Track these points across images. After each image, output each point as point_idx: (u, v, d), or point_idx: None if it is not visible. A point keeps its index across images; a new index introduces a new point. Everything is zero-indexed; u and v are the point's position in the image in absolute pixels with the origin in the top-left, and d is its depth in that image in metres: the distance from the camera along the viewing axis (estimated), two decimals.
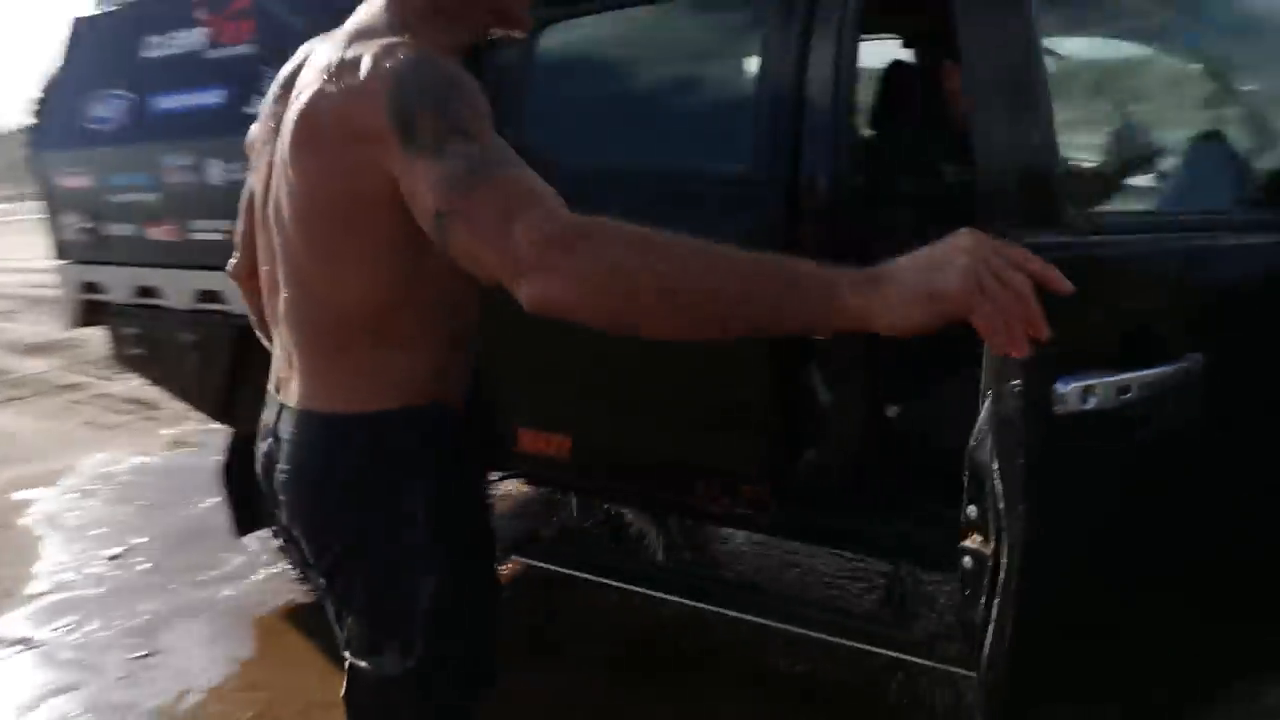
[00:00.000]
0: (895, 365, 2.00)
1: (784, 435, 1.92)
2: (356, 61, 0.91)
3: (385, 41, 0.92)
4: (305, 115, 0.94)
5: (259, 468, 1.14)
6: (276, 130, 1.04)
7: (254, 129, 1.15)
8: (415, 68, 0.89)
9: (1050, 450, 0.88)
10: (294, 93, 1.01)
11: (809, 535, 2.04)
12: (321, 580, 1.13)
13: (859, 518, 1.95)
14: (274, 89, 1.10)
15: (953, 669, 1.48)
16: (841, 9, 1.67)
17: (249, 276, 1.23)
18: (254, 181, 1.13)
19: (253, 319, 1.31)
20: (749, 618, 1.83)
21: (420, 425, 1.05)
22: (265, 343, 1.26)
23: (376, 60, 0.90)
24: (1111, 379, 0.93)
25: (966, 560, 1.05)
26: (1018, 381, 0.90)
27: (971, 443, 1.01)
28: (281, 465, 1.07)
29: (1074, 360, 0.92)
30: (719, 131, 1.94)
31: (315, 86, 0.94)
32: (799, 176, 1.81)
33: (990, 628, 0.98)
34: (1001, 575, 0.94)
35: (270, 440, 1.11)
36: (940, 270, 0.68)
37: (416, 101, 0.87)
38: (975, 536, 1.03)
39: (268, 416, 1.13)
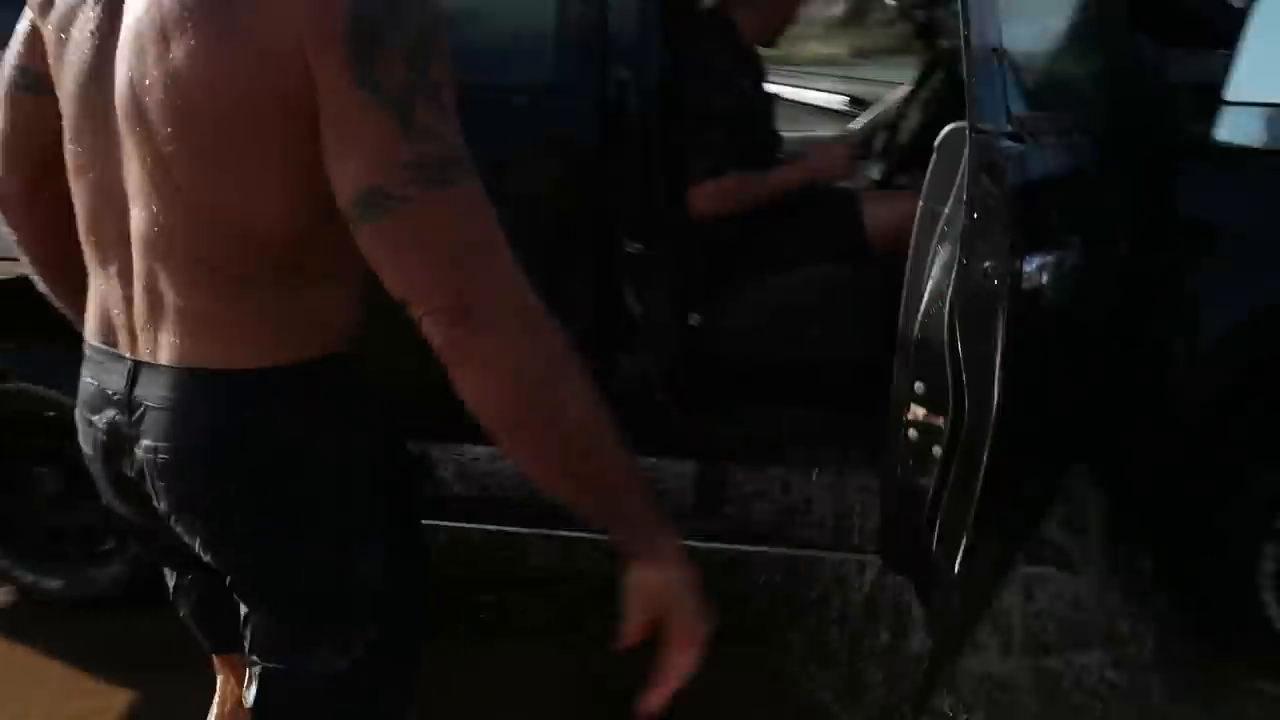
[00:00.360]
0: (696, 276, 2.10)
1: (599, 347, 1.94)
2: None
3: None
4: (209, 3, 0.71)
5: (92, 446, 0.88)
6: None
7: None
8: None
9: (1018, 322, 1.00)
10: None
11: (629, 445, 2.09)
12: (230, 575, 0.88)
13: (676, 423, 2.05)
14: None
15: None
16: None
17: (22, 193, 0.93)
18: (52, 50, 0.84)
19: (27, 254, 0.98)
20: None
21: (353, 373, 0.84)
22: (50, 289, 1.00)
23: None
24: (1050, 257, 1.08)
25: (911, 433, 1.16)
26: (991, 262, 1.01)
27: (915, 325, 1.12)
28: (153, 442, 0.81)
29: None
30: (527, 42, 1.89)
31: None
32: (605, 88, 1.81)
33: (946, 497, 1.10)
34: (964, 444, 1.06)
35: (117, 411, 0.84)
36: (698, 600, 0.78)
37: (385, 32, 0.69)
38: (918, 410, 1.14)
39: (106, 379, 0.85)
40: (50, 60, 0.84)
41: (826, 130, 3.33)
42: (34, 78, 0.87)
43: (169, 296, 0.79)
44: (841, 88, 3.59)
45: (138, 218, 0.79)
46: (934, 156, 1.15)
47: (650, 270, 1.98)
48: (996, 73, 1.00)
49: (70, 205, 0.89)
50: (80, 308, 0.96)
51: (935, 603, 1.20)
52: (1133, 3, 1.60)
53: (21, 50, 0.88)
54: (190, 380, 0.80)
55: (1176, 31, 1.65)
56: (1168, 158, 1.60)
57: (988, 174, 0.99)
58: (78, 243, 0.91)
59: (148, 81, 0.74)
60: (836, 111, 3.43)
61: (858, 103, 3.43)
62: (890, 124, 3.17)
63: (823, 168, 2.09)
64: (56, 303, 1.03)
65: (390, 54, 0.69)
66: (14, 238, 0.98)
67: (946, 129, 1.14)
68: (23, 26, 0.88)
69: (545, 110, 1.88)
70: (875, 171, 2.41)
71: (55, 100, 0.84)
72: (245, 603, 0.89)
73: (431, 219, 0.70)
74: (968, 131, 1.01)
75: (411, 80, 0.69)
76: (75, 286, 0.96)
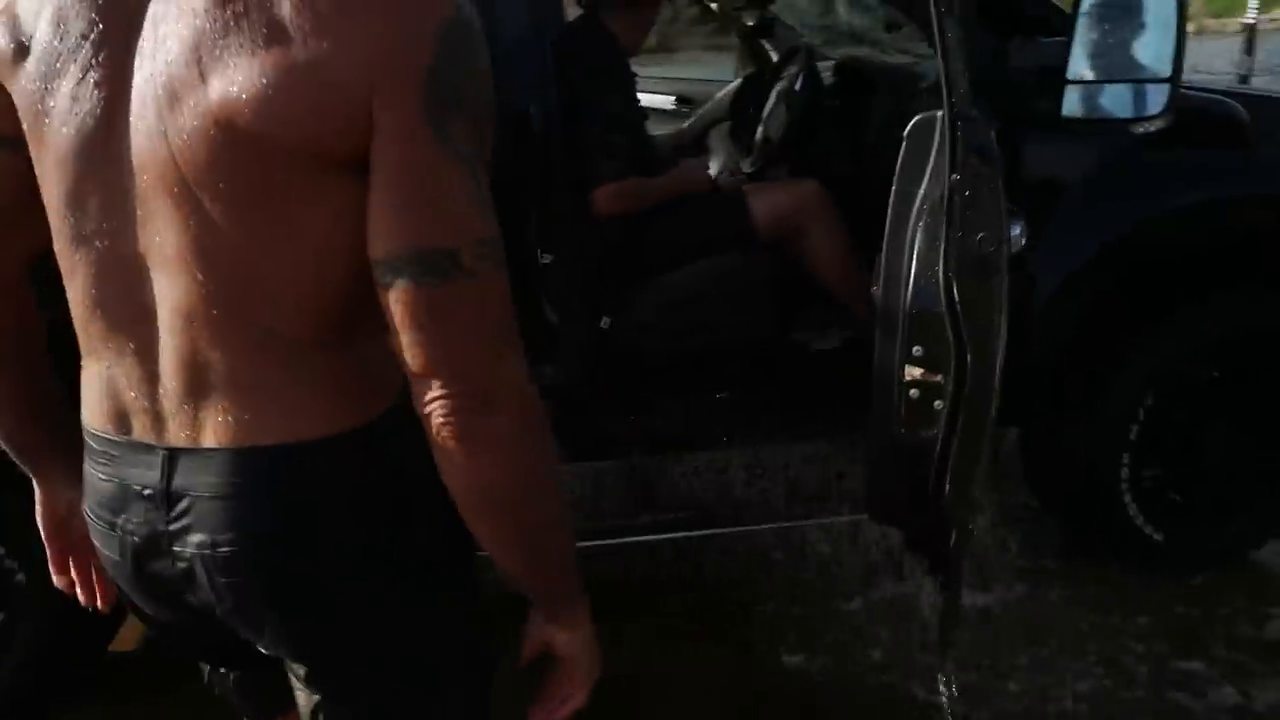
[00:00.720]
0: (602, 280, 2.17)
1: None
2: None
3: None
4: (260, 31, 0.65)
5: (118, 551, 0.78)
6: (123, 24, 0.70)
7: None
8: (470, 30, 0.69)
9: (1010, 282, 1.14)
10: None
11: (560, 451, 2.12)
12: (311, 665, 0.81)
13: (601, 424, 2.11)
14: None
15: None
16: None
17: None
18: (28, 106, 0.74)
19: None
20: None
21: (412, 423, 0.74)
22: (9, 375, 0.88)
23: None
24: (1015, 224, 1.23)
25: (913, 392, 1.28)
26: (985, 232, 1.15)
27: (906, 296, 1.24)
28: (209, 536, 0.73)
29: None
30: None
31: None
32: (509, 105, 1.84)
33: (956, 443, 1.23)
34: (969, 396, 1.19)
35: (151, 507, 0.75)
36: (596, 658, 0.87)
37: (462, 96, 0.68)
38: (915, 371, 1.26)
39: (130, 474, 0.76)
40: (25, 119, 0.75)
41: (662, 129, 3.47)
42: None
43: (216, 371, 0.71)
44: (663, 88, 3.74)
45: (173, 287, 0.71)
46: (904, 144, 1.28)
47: (563, 279, 2.02)
48: (965, 67, 1.14)
49: (22, 275, 0.82)
50: (12, 416, 0.88)
51: (948, 542, 1.33)
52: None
53: None
54: (250, 461, 0.72)
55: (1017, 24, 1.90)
56: (1019, 129, 1.85)
57: (979, 156, 1.13)
58: (29, 331, 0.85)
59: (185, 135, 0.67)
60: (667, 111, 3.57)
61: (684, 101, 3.59)
62: (718, 120, 3.36)
63: (690, 181, 2.25)
64: None
65: (463, 118, 0.67)
66: None
67: (916, 119, 1.27)
68: None
69: None
70: (748, 165, 2.56)
71: (20, 160, 0.76)
72: (327, 694, 0.82)
73: (487, 297, 0.68)
74: (949, 120, 1.14)
75: (475, 148, 0.68)
76: (16, 393, 0.88)
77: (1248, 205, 2.07)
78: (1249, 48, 8.96)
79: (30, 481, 0.93)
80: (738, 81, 3.39)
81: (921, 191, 1.23)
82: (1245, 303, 2.11)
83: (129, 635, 1.86)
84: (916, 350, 1.24)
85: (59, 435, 0.88)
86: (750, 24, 3.07)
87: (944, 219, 1.18)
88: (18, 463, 0.91)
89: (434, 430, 0.69)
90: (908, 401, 1.27)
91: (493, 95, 0.71)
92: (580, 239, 2.07)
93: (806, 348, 2.27)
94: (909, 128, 1.26)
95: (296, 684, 0.84)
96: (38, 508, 0.93)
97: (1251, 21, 9.32)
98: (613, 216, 2.15)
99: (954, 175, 1.17)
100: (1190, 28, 1.86)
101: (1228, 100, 2.06)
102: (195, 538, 0.73)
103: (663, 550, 2.17)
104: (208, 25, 0.66)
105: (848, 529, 2.19)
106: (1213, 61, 8.14)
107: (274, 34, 0.65)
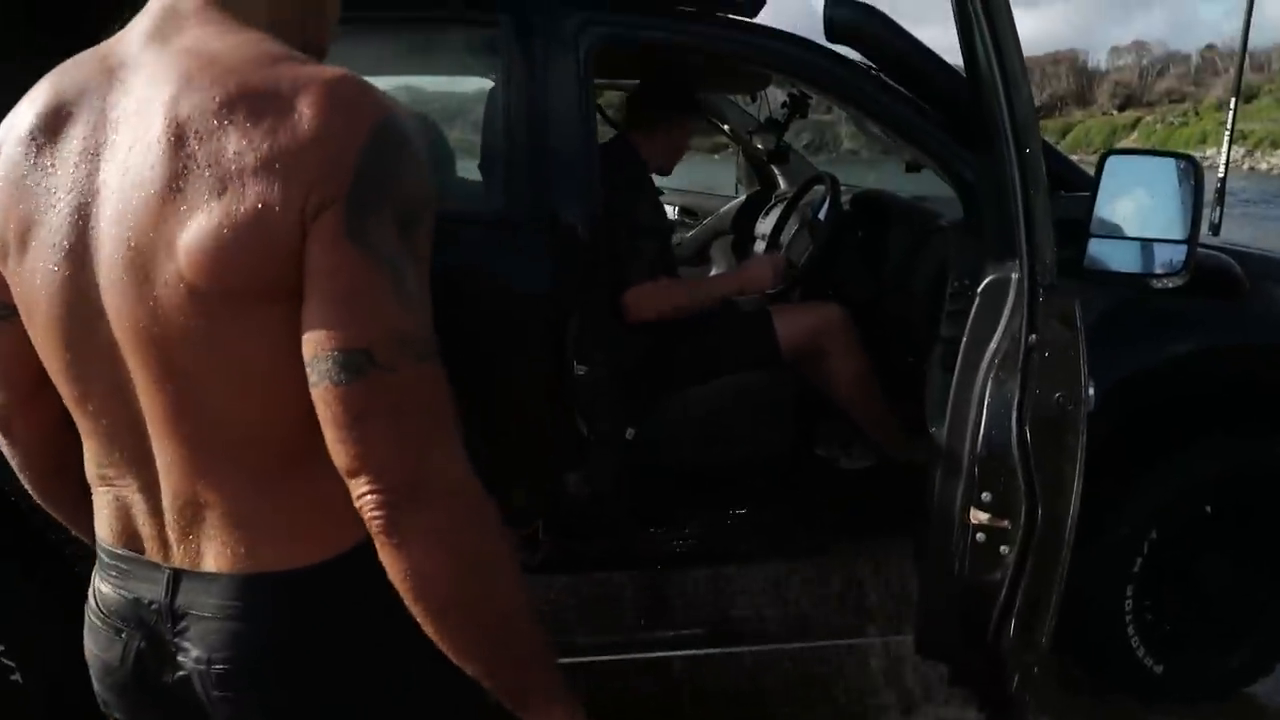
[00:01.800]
0: (630, 394, 2.21)
1: (548, 471, 1.99)
2: (294, 96, 0.69)
3: (334, 75, 0.71)
4: (202, 173, 0.69)
5: (119, 657, 0.82)
6: (80, 200, 0.74)
7: None
8: (394, 135, 0.71)
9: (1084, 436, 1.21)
10: (122, 135, 0.73)
11: (580, 564, 2.11)
12: None
13: (623, 536, 2.12)
14: (28, 136, 0.77)
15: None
16: (576, 66, 1.86)
17: (18, 408, 0.89)
18: (20, 287, 0.79)
19: (26, 470, 0.93)
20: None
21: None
22: (47, 500, 0.96)
23: (337, 100, 0.70)
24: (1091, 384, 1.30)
25: (979, 535, 1.32)
26: (1063, 392, 1.22)
27: (977, 444, 1.30)
28: (206, 654, 0.77)
29: None
30: (480, 175, 1.94)
31: (209, 126, 0.69)
32: (556, 216, 1.91)
33: (1020, 593, 1.27)
34: (1039, 542, 1.24)
35: (157, 620, 0.80)
36: None
37: (389, 191, 0.70)
38: (981, 516, 1.31)
39: (138, 588, 0.81)
40: (16, 299, 0.80)
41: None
42: (3, 308, 0.83)
43: (212, 508, 0.77)
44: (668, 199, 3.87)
45: (164, 438, 0.76)
46: (978, 301, 1.36)
47: (593, 390, 2.05)
48: (1050, 237, 1.23)
49: (63, 411, 0.85)
50: (81, 514, 0.91)
51: (1006, 683, 1.36)
52: None
53: None
54: (245, 587, 0.77)
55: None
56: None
57: (1061, 321, 1.21)
58: (72, 450, 0.88)
59: (155, 299, 0.71)
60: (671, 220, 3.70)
61: (688, 213, 3.72)
62: (721, 232, 3.48)
63: (755, 279, 2.29)
64: (54, 513, 0.98)
65: (386, 220, 0.69)
66: (9, 453, 0.92)
67: (989, 279, 1.35)
68: None
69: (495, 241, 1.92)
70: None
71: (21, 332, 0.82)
72: None
73: (408, 391, 0.70)
74: (1030, 285, 1.23)
75: (401, 246, 0.70)
76: (75, 495, 0.92)
77: (1241, 353, 2.21)
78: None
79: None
80: (741, 198, 3.54)
81: (993, 346, 1.31)
82: (1237, 443, 2.22)
83: None
84: (985, 496, 1.30)
85: None
86: (765, 150, 3.21)
87: (1019, 374, 1.26)
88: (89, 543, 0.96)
89: (370, 529, 0.71)
90: (973, 544, 1.32)
91: (430, 190, 0.74)
92: (612, 351, 2.11)
93: (826, 466, 2.33)
94: (982, 287, 1.34)
95: None
96: None
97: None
98: (644, 319, 2.21)
99: (1033, 336, 1.24)
100: None
101: (1222, 255, 2.21)
102: (194, 653, 0.78)
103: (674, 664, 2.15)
104: (162, 186, 0.69)
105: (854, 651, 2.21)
106: None
107: (221, 185, 0.68)
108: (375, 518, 0.70)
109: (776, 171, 3.33)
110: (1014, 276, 1.29)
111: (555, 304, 1.95)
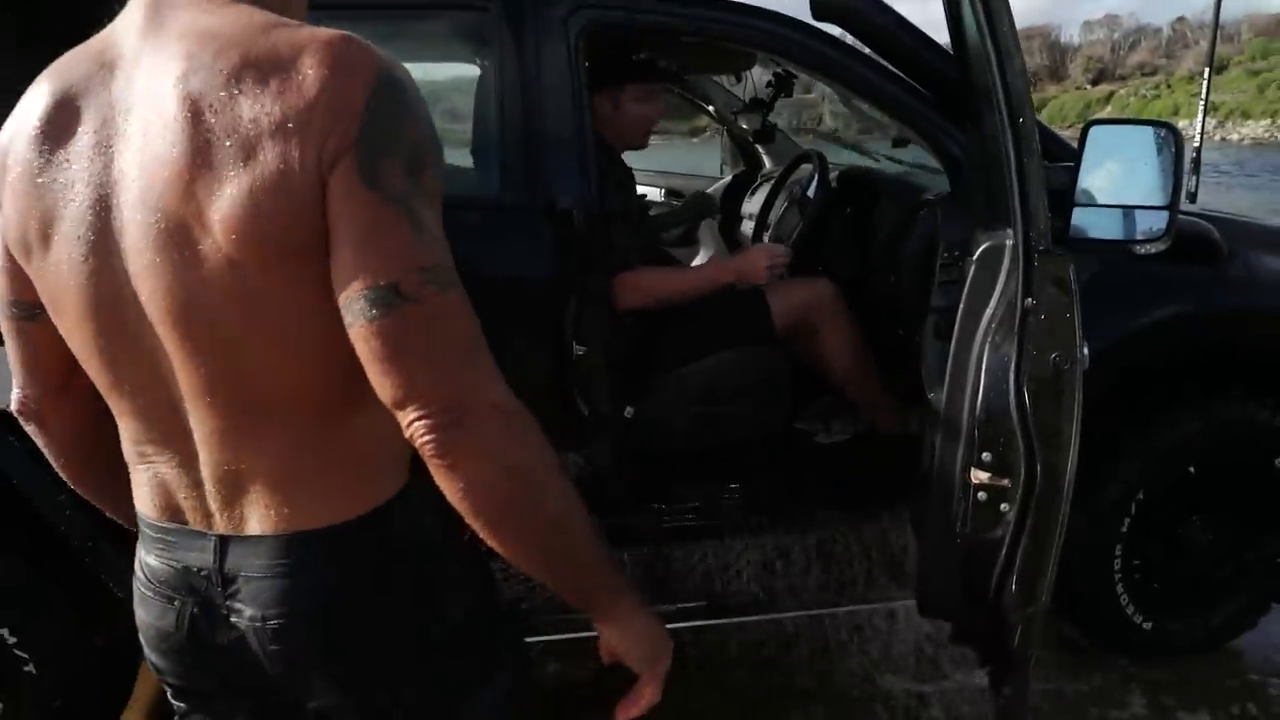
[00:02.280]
0: (626, 373, 2.24)
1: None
2: (295, 58, 0.72)
3: (328, 35, 0.74)
4: (223, 143, 0.72)
5: (174, 623, 0.87)
6: (98, 192, 0.77)
7: (12, 206, 0.81)
8: (394, 86, 0.75)
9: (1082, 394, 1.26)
10: (133, 123, 0.75)
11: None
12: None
13: (625, 513, 2.15)
14: (36, 135, 0.79)
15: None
16: (566, 49, 1.90)
17: (51, 398, 0.93)
18: (43, 281, 0.82)
19: (59, 456, 0.97)
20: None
21: (433, 487, 0.81)
22: (81, 485, 1.01)
23: (336, 58, 0.72)
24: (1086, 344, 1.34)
25: (980, 495, 1.37)
26: (1059, 353, 1.27)
27: (976, 406, 1.34)
28: (259, 610, 0.82)
29: None
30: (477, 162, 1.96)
31: (221, 98, 0.72)
32: (553, 201, 1.93)
33: (1020, 550, 1.32)
34: (1039, 499, 1.28)
35: (208, 585, 0.84)
36: (655, 648, 0.92)
37: (395, 136, 0.74)
38: (982, 475, 1.35)
39: (186, 557, 0.85)
40: (41, 295, 0.84)
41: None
42: (28, 307, 0.87)
43: (254, 473, 0.81)
44: (654, 181, 3.89)
45: (203, 410, 0.80)
46: (973, 268, 1.40)
47: (592, 369, 2.08)
48: (1045, 203, 1.27)
49: (94, 398, 0.89)
50: (114, 497, 0.97)
51: (1008, 639, 1.41)
52: None
53: (7, 285, 0.87)
54: (291, 546, 0.81)
55: None
56: None
57: (1056, 285, 1.25)
58: (104, 435, 0.92)
59: (190, 272, 0.74)
60: (657, 204, 3.72)
61: (674, 194, 3.75)
62: (704, 213, 3.50)
63: (750, 273, 2.31)
64: (89, 497, 1.02)
65: (395, 164, 0.73)
66: (43, 443, 0.96)
67: (984, 245, 1.39)
68: (1, 263, 0.86)
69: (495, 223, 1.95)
70: None
71: (47, 326, 0.85)
72: None
73: (437, 319, 0.74)
74: (1024, 249, 1.27)
75: (412, 187, 0.74)
76: (105, 480, 0.97)
77: (1222, 317, 2.27)
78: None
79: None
80: (728, 179, 3.56)
81: (989, 310, 1.35)
82: (1216, 405, 2.28)
83: None
84: (986, 456, 1.34)
85: None
86: (751, 129, 3.23)
87: (1015, 338, 1.30)
88: (125, 525, 1.02)
89: (422, 454, 0.75)
90: (974, 503, 1.37)
91: (433, 134, 0.78)
92: (608, 331, 2.14)
93: (817, 440, 2.37)
94: (978, 255, 1.38)
95: None
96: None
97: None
98: (632, 309, 2.23)
99: (1029, 300, 1.29)
100: None
101: (1201, 221, 2.27)
102: (248, 611, 0.82)
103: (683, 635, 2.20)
104: (187, 162, 0.72)
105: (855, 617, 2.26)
106: None
107: (244, 152, 0.71)
108: (426, 442, 0.73)
109: (762, 151, 3.36)
110: (1008, 243, 1.33)
111: (553, 287, 1.98)
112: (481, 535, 0.78)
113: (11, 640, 1.81)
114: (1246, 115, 37.98)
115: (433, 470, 0.75)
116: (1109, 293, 2.08)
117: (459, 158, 2.17)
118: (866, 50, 2.06)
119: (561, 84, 1.94)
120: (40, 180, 0.79)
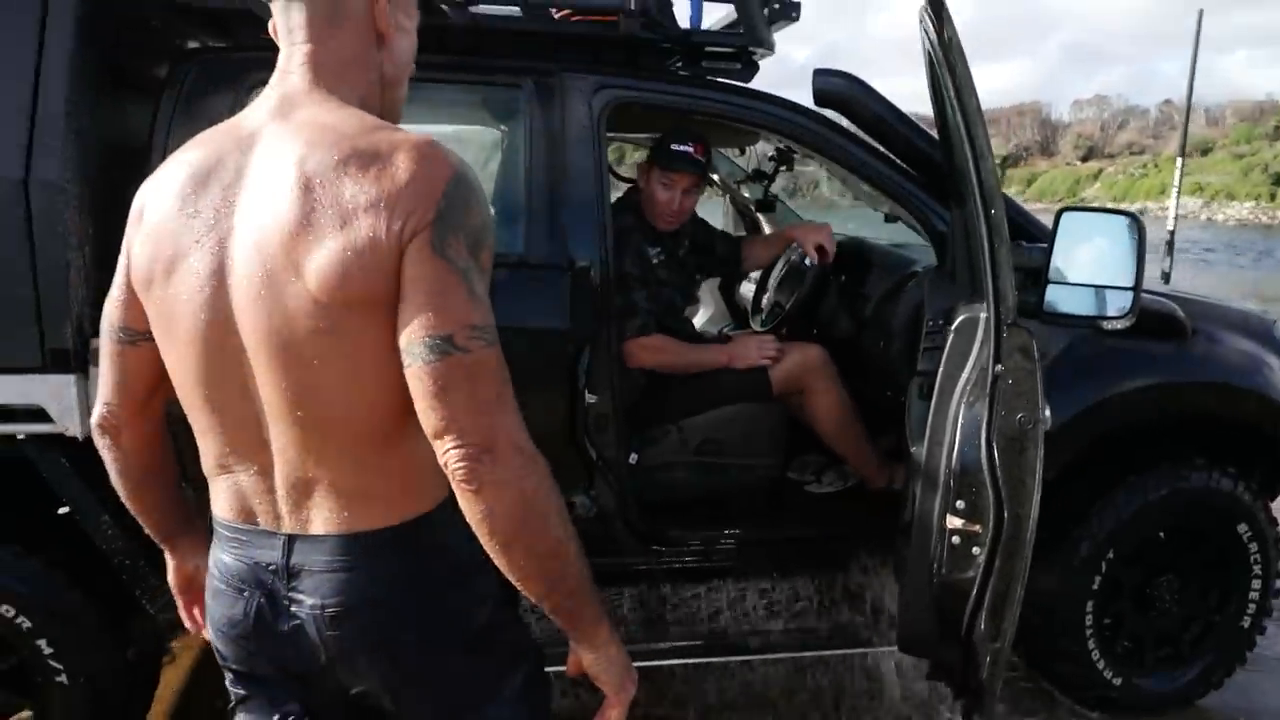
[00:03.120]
0: (632, 423, 2.38)
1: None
2: (392, 154, 0.91)
3: (418, 139, 0.94)
4: (327, 211, 0.90)
5: (244, 612, 1.01)
6: (220, 238, 0.96)
7: (143, 246, 1.01)
8: (465, 182, 0.93)
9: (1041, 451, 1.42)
10: (256, 187, 0.94)
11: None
12: (403, 692, 1.04)
13: (628, 553, 2.28)
14: (178, 190, 0.99)
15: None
16: (590, 123, 2.09)
17: (131, 416, 1.12)
18: (156, 313, 1.01)
19: (126, 470, 1.15)
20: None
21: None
22: (134, 500, 1.18)
23: (423, 156, 0.92)
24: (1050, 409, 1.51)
25: (955, 539, 1.52)
26: (1024, 414, 1.43)
27: (952, 460, 1.50)
28: (320, 600, 0.98)
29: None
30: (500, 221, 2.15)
31: (330, 177, 0.91)
32: (572, 260, 2.09)
33: (989, 591, 1.46)
34: (1006, 543, 1.43)
35: (275, 578, 1.00)
36: (624, 675, 1.04)
37: (462, 221, 0.92)
38: (956, 521, 1.51)
39: (257, 554, 1.01)
40: (154, 322, 1.02)
41: None
42: (133, 333, 1.06)
43: (321, 482, 0.97)
44: None
45: (283, 428, 0.96)
46: (951, 337, 1.57)
47: (601, 417, 2.23)
48: (1013, 283, 1.45)
49: (162, 422, 1.12)
50: (156, 515, 1.19)
51: (979, 671, 1.55)
52: None
53: (120, 313, 1.06)
54: (350, 544, 0.97)
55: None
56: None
57: (1021, 354, 1.42)
58: (163, 456, 1.15)
59: (285, 314, 0.91)
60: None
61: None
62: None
63: (742, 357, 2.50)
64: (135, 507, 1.18)
65: (460, 241, 0.91)
66: (111, 457, 1.14)
67: (961, 317, 1.56)
68: (117, 294, 1.06)
69: (519, 280, 2.11)
70: (757, 324, 2.86)
71: (153, 347, 1.04)
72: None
73: (479, 368, 0.89)
74: (995, 324, 1.44)
75: (472, 261, 0.92)
76: (158, 500, 1.19)
77: (1185, 389, 2.43)
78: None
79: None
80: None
81: (965, 375, 1.52)
82: (1180, 472, 2.43)
83: None
84: (960, 504, 1.50)
85: (190, 522, 1.23)
86: (753, 199, 3.44)
87: (987, 399, 1.46)
88: (157, 542, 1.23)
89: (452, 479, 0.90)
90: (949, 547, 1.51)
91: (490, 222, 0.96)
92: (618, 382, 2.29)
93: (809, 489, 2.52)
94: (956, 324, 1.56)
95: None
96: (170, 572, 1.27)
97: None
98: (641, 367, 2.41)
99: (998, 366, 1.46)
100: None
101: (1167, 300, 2.45)
102: (309, 601, 0.98)
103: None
104: (295, 223, 0.90)
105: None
106: None
107: (342, 220, 0.90)
108: (458, 469, 0.88)
109: (762, 220, 3.56)
110: (983, 316, 1.50)
111: (568, 338, 2.14)
112: (493, 555, 0.92)
113: (48, 651, 1.93)
114: (1232, 196, 38.91)
115: (459, 494, 0.90)
116: (1080, 363, 2.26)
117: None
118: (862, 135, 2.27)
119: (583, 152, 2.12)
120: (171, 226, 0.98)
